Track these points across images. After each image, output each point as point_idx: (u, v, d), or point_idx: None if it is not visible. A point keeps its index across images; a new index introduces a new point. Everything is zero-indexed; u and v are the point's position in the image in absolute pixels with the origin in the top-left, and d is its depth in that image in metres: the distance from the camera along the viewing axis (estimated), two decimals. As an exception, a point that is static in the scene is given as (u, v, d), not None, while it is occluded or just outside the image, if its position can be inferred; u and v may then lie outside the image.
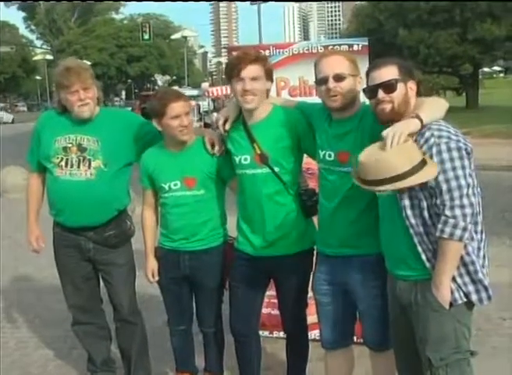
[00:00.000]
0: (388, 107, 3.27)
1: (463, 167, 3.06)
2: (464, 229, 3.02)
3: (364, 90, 3.44)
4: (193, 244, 4.14)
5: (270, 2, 32.27)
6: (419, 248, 3.18)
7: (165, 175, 4.12)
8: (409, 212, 3.19)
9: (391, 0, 36.94)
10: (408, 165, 3.07)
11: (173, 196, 4.11)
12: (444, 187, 3.04)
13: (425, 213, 3.15)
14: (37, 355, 5.60)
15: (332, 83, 3.51)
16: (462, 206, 3.03)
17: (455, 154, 3.07)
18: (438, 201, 3.07)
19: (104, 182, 4.24)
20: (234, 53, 4.15)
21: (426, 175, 3.07)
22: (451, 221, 3.02)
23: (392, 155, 3.09)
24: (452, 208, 3.03)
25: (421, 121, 3.16)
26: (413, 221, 3.18)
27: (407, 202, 3.19)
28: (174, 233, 4.17)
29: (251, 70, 3.74)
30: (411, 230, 3.19)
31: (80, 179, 4.24)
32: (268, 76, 3.84)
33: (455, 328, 3.19)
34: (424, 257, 3.18)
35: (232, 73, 3.79)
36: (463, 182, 3.05)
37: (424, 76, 40.58)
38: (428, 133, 3.13)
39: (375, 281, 3.61)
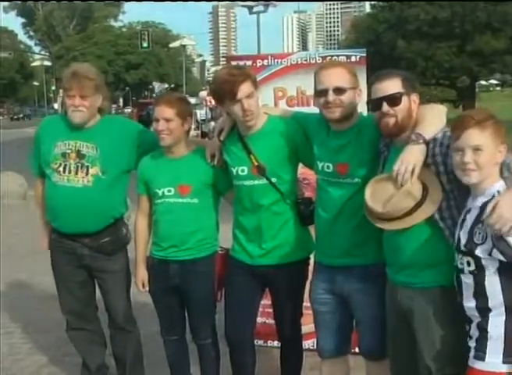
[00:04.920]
0: (391, 121, 3.29)
1: None
2: None
3: (368, 102, 3.46)
4: (182, 253, 4.12)
5: (269, 12, 32.19)
6: None
7: (159, 181, 4.12)
8: (436, 215, 3.20)
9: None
10: (412, 201, 3.17)
11: (166, 202, 4.10)
12: None
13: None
14: (30, 361, 5.58)
15: (331, 96, 3.51)
16: None
17: None
18: None
19: (101, 189, 4.25)
20: (233, 63, 4.16)
21: (430, 208, 3.17)
22: None
23: (398, 198, 3.18)
24: None
25: (426, 143, 3.18)
26: (448, 222, 3.17)
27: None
28: (164, 241, 4.16)
29: (245, 90, 3.72)
30: (447, 232, 3.16)
31: (77, 185, 4.24)
32: (256, 86, 3.83)
33: (458, 338, 3.13)
34: None
35: (225, 97, 3.74)
36: None
37: (422, 88, 40.71)
38: (446, 142, 3.14)
39: (374, 290, 3.60)
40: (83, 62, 4.70)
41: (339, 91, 3.52)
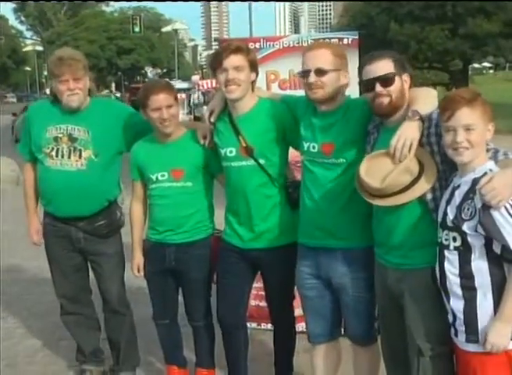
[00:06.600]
0: (386, 100, 3.30)
1: None
2: None
3: (360, 83, 3.47)
4: (179, 236, 4.14)
5: (261, -3, 32.17)
6: None
7: (153, 166, 4.13)
8: (429, 195, 3.21)
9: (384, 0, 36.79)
10: (410, 177, 3.16)
11: (160, 187, 4.12)
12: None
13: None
14: (25, 345, 5.60)
15: (312, 78, 3.52)
16: None
17: None
18: None
19: (94, 172, 4.26)
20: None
21: (425, 184, 3.17)
22: None
23: (396, 173, 3.16)
24: None
25: (422, 120, 3.19)
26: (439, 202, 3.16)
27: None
28: (160, 225, 4.18)
29: (234, 60, 3.75)
30: (435, 215, 3.16)
31: (70, 169, 4.25)
32: (253, 67, 3.84)
33: (447, 320, 3.14)
34: None
35: (215, 64, 3.80)
36: None
37: (415, 71, 40.61)
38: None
39: (360, 273, 3.61)
40: (64, 48, 4.70)
41: (320, 72, 3.51)
